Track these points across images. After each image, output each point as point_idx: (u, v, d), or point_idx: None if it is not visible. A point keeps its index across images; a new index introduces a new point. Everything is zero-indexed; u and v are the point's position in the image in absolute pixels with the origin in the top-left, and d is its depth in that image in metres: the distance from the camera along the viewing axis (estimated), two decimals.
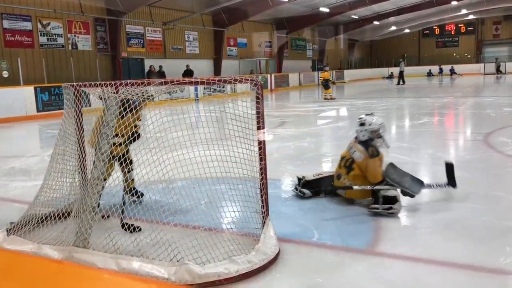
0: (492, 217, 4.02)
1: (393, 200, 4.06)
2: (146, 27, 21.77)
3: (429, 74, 39.73)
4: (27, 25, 16.79)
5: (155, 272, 2.92)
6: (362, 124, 4.51)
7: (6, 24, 16.10)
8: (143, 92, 3.85)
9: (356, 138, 4.59)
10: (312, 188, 4.74)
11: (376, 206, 4.10)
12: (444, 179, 4.58)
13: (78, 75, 17.81)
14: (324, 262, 3.20)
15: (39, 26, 17.21)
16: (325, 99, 18.47)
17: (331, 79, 19.22)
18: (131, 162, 4.40)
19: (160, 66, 21.04)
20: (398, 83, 27.65)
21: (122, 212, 3.85)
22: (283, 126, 11.06)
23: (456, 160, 6.87)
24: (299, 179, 4.83)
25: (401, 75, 27.83)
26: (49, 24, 17.55)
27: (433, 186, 4.53)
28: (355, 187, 4.32)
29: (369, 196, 4.38)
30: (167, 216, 3.61)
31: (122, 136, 4.21)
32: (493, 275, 2.99)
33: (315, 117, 13.96)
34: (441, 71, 40.10)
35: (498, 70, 36.64)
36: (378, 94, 22.61)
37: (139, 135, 4.39)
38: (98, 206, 3.56)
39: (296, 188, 4.82)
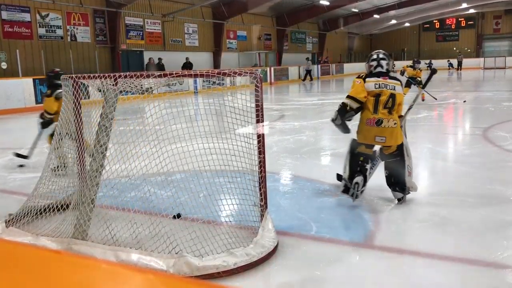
0: (489, 211, 4.03)
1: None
2: (145, 19, 21.66)
3: (429, 66, 38.72)
4: (26, 16, 16.70)
5: (154, 264, 2.93)
6: (388, 57, 4.51)
7: (4, 15, 16.01)
8: (141, 85, 3.84)
9: (382, 76, 4.32)
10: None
11: (400, 195, 4.21)
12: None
13: (77, 67, 17.75)
14: (322, 255, 3.21)
15: (38, 17, 17.11)
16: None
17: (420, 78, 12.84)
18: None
19: (160, 59, 20.95)
20: (304, 79, 29.23)
21: None
22: (282, 120, 11.05)
23: (454, 155, 6.93)
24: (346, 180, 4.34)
25: (308, 73, 29.65)
26: (48, 15, 17.45)
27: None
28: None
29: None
30: (165, 209, 3.62)
31: None
32: (490, 269, 3.01)
33: (314, 110, 13.94)
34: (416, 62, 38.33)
35: (459, 65, 36.61)
36: None
37: None
38: None
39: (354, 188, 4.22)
